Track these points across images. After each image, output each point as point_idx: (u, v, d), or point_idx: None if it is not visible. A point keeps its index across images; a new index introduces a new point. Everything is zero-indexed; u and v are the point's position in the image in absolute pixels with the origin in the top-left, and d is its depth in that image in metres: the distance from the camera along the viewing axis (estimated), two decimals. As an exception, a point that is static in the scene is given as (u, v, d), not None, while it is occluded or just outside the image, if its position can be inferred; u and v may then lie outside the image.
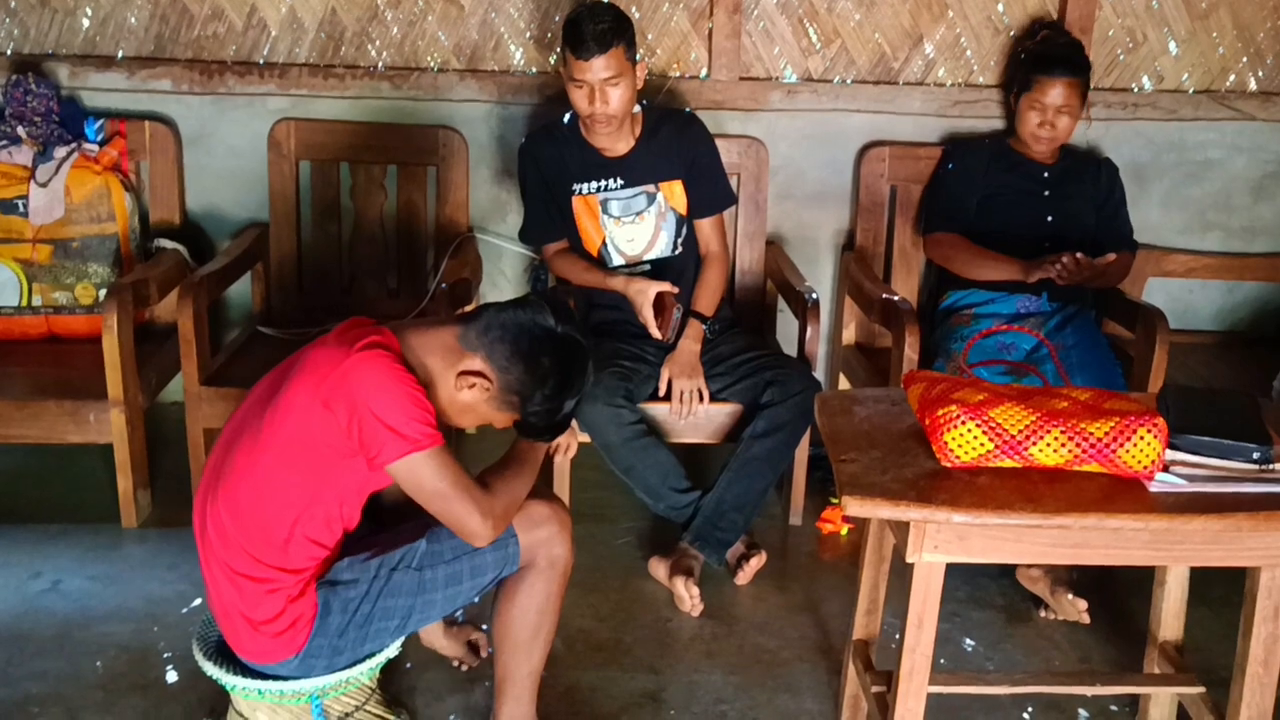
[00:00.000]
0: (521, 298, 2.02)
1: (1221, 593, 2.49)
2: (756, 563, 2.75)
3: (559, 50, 2.98)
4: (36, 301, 3.14)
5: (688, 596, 2.64)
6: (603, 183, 2.97)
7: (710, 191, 3.03)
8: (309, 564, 1.92)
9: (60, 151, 3.14)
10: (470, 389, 1.91)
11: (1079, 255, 2.84)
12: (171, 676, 2.37)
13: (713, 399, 2.86)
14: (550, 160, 2.98)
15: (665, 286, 2.79)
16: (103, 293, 3.16)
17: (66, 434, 2.86)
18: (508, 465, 1.99)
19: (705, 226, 3.04)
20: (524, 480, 1.99)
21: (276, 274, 3.41)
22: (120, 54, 3.36)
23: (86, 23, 3.33)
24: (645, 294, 2.78)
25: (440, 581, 1.98)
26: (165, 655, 2.44)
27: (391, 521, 2.06)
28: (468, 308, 3.20)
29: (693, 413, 2.80)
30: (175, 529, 2.92)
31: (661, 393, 2.82)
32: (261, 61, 3.38)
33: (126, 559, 2.81)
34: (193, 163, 3.41)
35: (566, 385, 1.95)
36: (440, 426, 1.88)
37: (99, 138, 3.23)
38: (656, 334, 2.78)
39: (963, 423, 1.78)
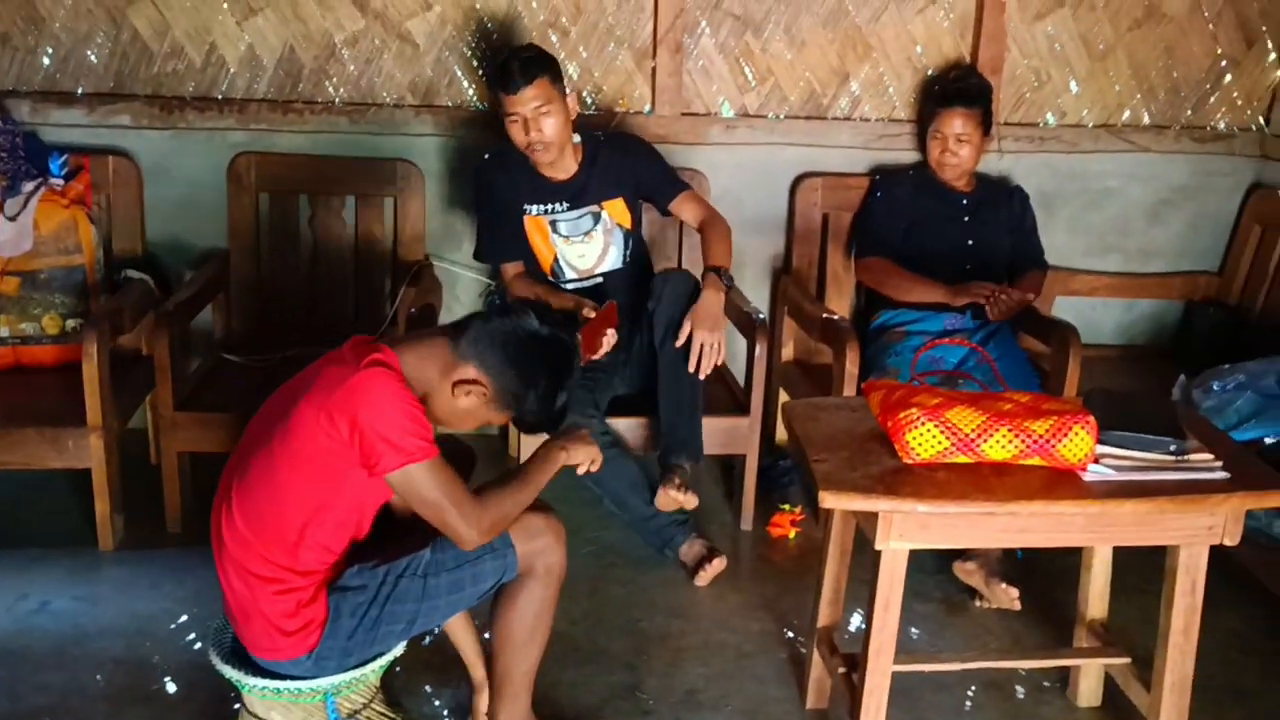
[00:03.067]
0: (505, 305, 2.17)
1: (1135, 581, 2.77)
2: (718, 564, 2.95)
3: (490, 92, 3.17)
4: (3, 333, 3.19)
5: (682, 497, 2.87)
6: (550, 205, 3.17)
7: (664, 183, 3.24)
8: (318, 567, 2.06)
9: (28, 186, 3.21)
10: (467, 396, 2.07)
11: (1009, 291, 3.17)
12: (171, 688, 2.47)
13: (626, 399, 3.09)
14: (502, 183, 3.17)
15: (588, 312, 2.92)
16: (69, 323, 3.23)
17: (46, 460, 2.92)
18: (509, 481, 2.14)
19: (684, 209, 3.23)
20: (520, 496, 2.13)
21: (238, 302, 3.51)
22: (80, 90, 3.44)
23: (47, 60, 3.41)
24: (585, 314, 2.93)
25: (444, 588, 2.13)
26: (161, 668, 2.53)
27: (401, 532, 2.20)
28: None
29: (710, 366, 2.94)
30: (150, 550, 3.01)
31: (680, 342, 2.95)
32: (220, 97, 3.49)
33: (109, 580, 2.88)
34: (152, 194, 3.49)
35: (557, 381, 2.13)
36: (444, 437, 2.04)
37: (63, 172, 3.30)
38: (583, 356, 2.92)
39: (923, 423, 2.00)
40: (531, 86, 2.96)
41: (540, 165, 3.12)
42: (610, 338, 2.93)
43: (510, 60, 3.00)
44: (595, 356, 2.91)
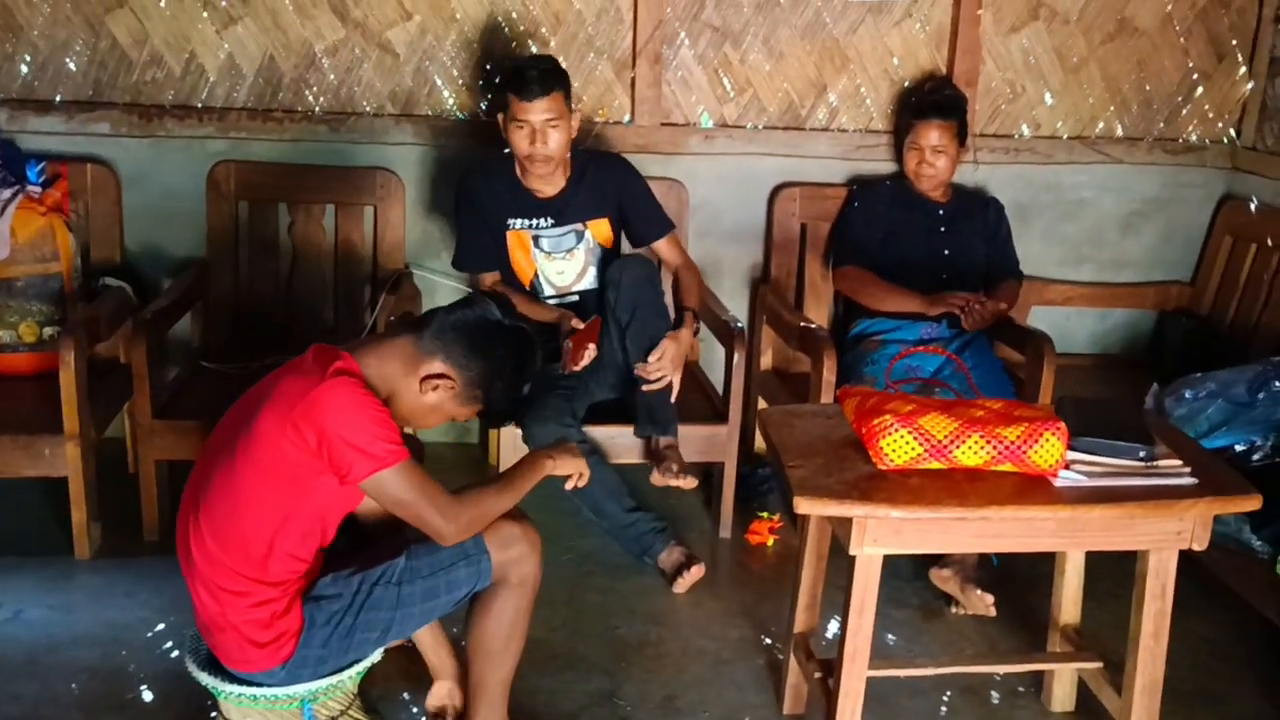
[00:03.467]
0: (465, 298, 2.19)
1: (1108, 587, 2.80)
2: (696, 572, 2.96)
3: (499, 93, 3.14)
4: (-21, 340, 3.19)
5: (680, 481, 2.92)
6: (534, 221, 3.17)
7: (650, 219, 3.27)
8: (288, 577, 2.05)
9: (4, 194, 3.20)
10: (435, 390, 2.08)
11: (984, 300, 3.21)
12: (147, 696, 2.46)
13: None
14: (486, 194, 3.17)
15: (576, 323, 3.00)
16: (46, 331, 3.23)
17: (21, 468, 2.92)
18: (490, 483, 2.17)
19: (663, 249, 3.27)
20: (500, 499, 2.15)
21: (216, 310, 3.51)
22: (59, 98, 3.44)
23: (25, 68, 3.41)
24: (564, 329, 2.99)
25: (418, 596, 2.13)
26: (137, 676, 2.52)
27: (369, 539, 2.20)
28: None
29: (658, 387, 3.00)
30: (127, 559, 3.00)
31: (653, 359, 2.98)
32: (200, 105, 3.50)
33: (84, 588, 2.87)
34: (131, 202, 3.49)
35: (522, 371, 2.15)
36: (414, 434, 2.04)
37: (41, 180, 3.29)
38: (567, 365, 2.96)
39: (896, 430, 2.02)
40: (547, 98, 2.98)
41: (529, 178, 3.13)
42: (591, 352, 2.95)
43: (530, 67, 3.02)
44: (576, 369, 2.93)
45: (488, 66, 3.54)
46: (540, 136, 3.01)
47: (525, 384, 2.17)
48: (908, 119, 3.50)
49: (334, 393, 1.96)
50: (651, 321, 3.04)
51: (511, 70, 3.06)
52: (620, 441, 3.07)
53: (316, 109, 3.53)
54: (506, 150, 3.16)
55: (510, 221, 3.17)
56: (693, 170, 3.66)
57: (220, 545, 2.01)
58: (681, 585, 2.96)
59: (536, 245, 3.18)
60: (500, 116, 3.09)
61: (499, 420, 2.18)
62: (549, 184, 3.16)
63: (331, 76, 3.51)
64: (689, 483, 2.96)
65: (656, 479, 2.96)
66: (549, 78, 2.99)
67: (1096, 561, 2.46)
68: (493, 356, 2.09)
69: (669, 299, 3.26)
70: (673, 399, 3.02)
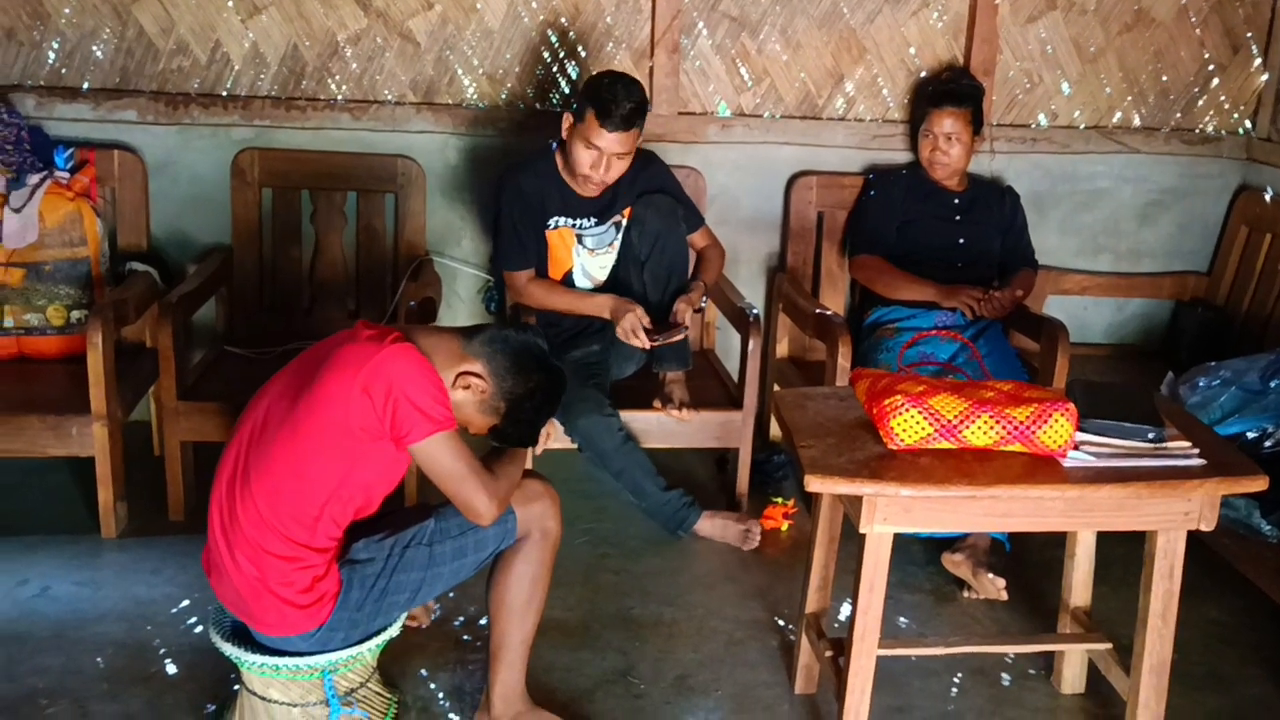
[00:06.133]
0: (521, 324, 2.27)
1: (1119, 573, 2.82)
2: (756, 527, 3.14)
3: (582, 103, 3.00)
4: (8, 323, 3.24)
5: (681, 413, 3.13)
6: (579, 221, 3.20)
7: (689, 215, 3.31)
8: (330, 543, 2.13)
9: (33, 179, 3.26)
10: (465, 389, 2.15)
11: (999, 292, 3.26)
12: (171, 669, 2.52)
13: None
14: (533, 193, 3.15)
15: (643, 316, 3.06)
16: (74, 314, 3.28)
17: (49, 448, 2.97)
18: (504, 453, 2.24)
19: (696, 238, 3.34)
20: (518, 467, 2.24)
21: (239, 296, 3.56)
22: (86, 85, 3.50)
23: (53, 55, 3.47)
24: (636, 309, 3.04)
25: (448, 555, 2.21)
26: (161, 651, 2.58)
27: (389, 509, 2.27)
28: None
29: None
30: (152, 537, 3.06)
31: (683, 320, 3.08)
32: (225, 94, 3.55)
33: (110, 565, 2.93)
34: (157, 189, 3.54)
35: (548, 405, 2.24)
36: None
37: (69, 165, 3.35)
38: (646, 343, 3.02)
39: (906, 410, 2.05)
40: (628, 133, 2.99)
41: (577, 183, 3.14)
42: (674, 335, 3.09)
43: (623, 98, 2.94)
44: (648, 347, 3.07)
45: (508, 56, 3.59)
46: (606, 164, 3.03)
47: (545, 419, 2.27)
48: (923, 107, 3.53)
49: (400, 355, 2.06)
50: (669, 256, 3.14)
51: (603, 90, 2.96)
52: (636, 426, 3.12)
53: (339, 97, 3.58)
54: (553, 143, 3.16)
55: (554, 220, 3.18)
56: (710, 159, 3.69)
57: (273, 509, 2.07)
58: (752, 543, 3.11)
59: (580, 242, 3.22)
60: (568, 119, 3.05)
61: (506, 441, 2.24)
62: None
63: (354, 65, 3.56)
64: (690, 415, 3.13)
65: (657, 405, 3.13)
66: (635, 115, 2.97)
67: (1107, 548, 2.49)
68: (529, 380, 2.18)
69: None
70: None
